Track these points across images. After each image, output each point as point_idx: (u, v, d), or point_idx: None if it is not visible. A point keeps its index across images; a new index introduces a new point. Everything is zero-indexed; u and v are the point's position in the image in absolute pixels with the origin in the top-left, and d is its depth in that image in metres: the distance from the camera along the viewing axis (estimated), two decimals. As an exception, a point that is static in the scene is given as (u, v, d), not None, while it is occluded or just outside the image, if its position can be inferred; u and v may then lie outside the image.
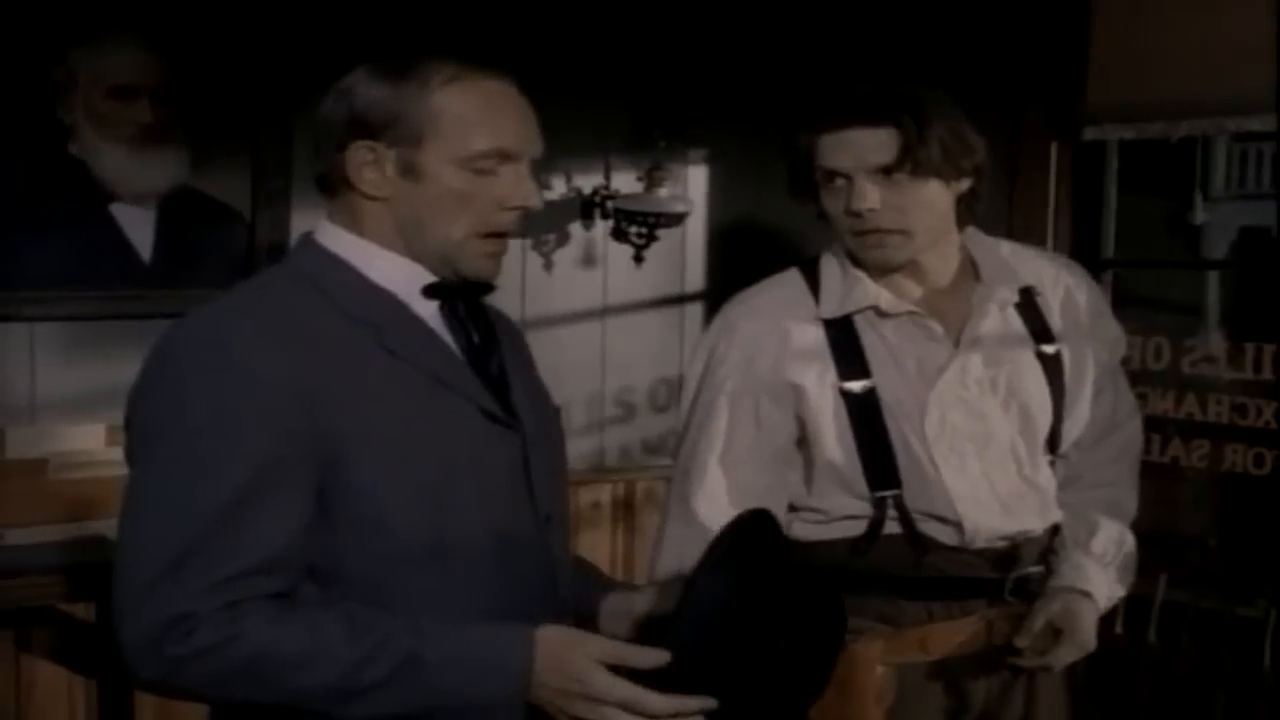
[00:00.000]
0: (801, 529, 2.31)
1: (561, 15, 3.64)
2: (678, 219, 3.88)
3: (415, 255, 1.78)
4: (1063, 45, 3.73)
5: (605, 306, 3.89)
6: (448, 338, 1.80)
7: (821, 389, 2.26)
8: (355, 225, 1.78)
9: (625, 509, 3.86)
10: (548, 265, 3.73)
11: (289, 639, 1.61)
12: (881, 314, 2.27)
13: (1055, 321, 2.36)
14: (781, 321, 2.30)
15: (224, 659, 1.60)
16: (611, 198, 3.81)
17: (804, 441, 2.29)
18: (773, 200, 3.99)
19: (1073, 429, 2.39)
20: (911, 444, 2.25)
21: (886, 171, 2.18)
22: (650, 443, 3.98)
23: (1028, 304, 2.34)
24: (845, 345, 2.27)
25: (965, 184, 2.26)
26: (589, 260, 3.86)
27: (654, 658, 1.64)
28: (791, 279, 2.36)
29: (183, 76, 3.32)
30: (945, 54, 3.92)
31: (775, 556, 1.78)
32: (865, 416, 2.25)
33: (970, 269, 2.33)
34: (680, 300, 4.02)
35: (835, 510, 2.29)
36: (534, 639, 1.66)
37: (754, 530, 1.78)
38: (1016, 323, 2.33)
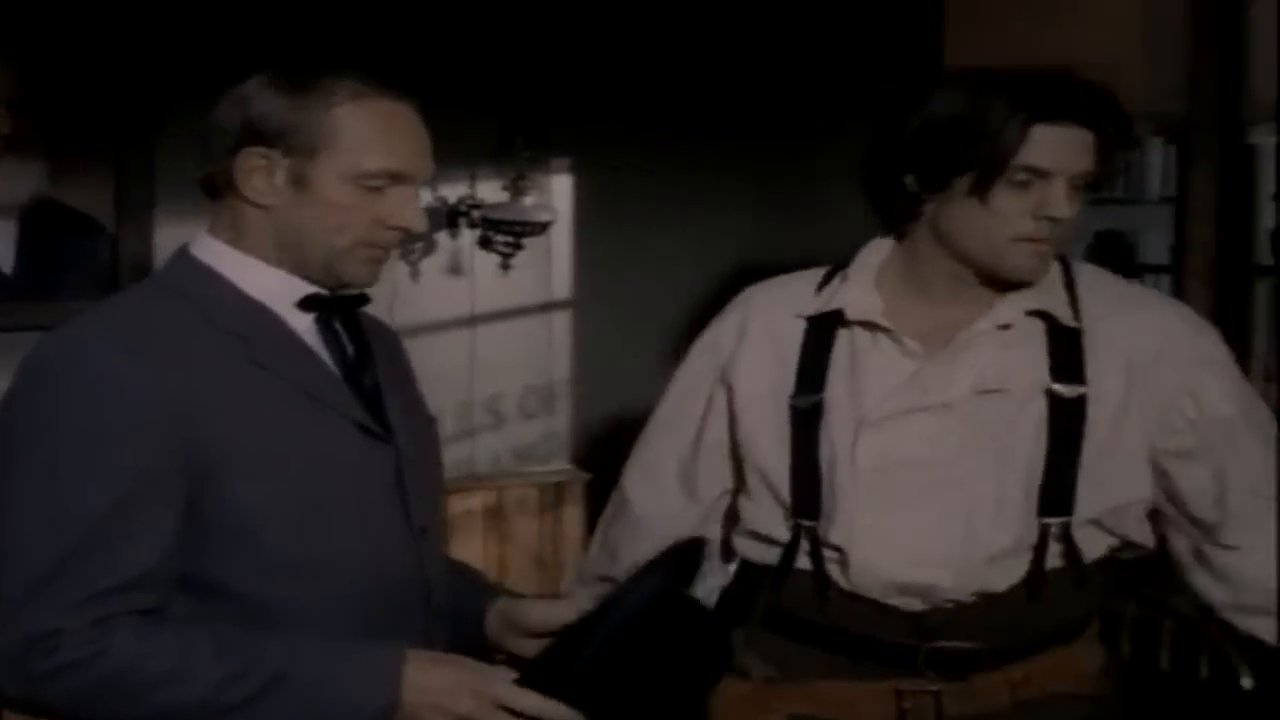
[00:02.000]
0: (739, 544, 2.13)
1: (425, 26, 3.66)
2: (543, 227, 3.91)
3: (294, 266, 1.78)
4: (920, 53, 3.81)
5: (473, 315, 3.92)
6: (322, 351, 1.80)
7: (777, 399, 2.06)
8: (234, 234, 1.78)
9: (496, 516, 3.87)
10: (415, 274, 3.75)
11: (157, 655, 1.61)
12: (850, 321, 2.05)
13: (1102, 366, 2.00)
14: (773, 316, 2.12)
15: (89, 675, 1.59)
16: (477, 207, 3.83)
17: (739, 445, 2.12)
18: (637, 207, 4.08)
19: (1103, 496, 2.00)
20: (838, 471, 2.00)
21: (1077, 180, 1.94)
22: (520, 450, 4.01)
23: (1061, 335, 2.01)
24: (814, 351, 2.07)
25: None
26: (456, 269, 3.88)
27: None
28: (815, 271, 2.16)
29: (40, 86, 3.28)
30: (807, 57, 4.02)
31: (688, 595, 1.75)
32: (805, 434, 2.04)
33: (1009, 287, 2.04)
34: (547, 308, 4.06)
35: (759, 527, 2.09)
36: (403, 657, 1.67)
37: (680, 561, 1.79)
38: (1030, 352, 2.01)
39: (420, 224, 1.81)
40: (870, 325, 2.04)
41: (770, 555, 2.07)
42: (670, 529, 2.11)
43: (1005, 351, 2.00)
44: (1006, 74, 1.97)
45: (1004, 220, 1.94)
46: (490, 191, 3.87)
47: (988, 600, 1.98)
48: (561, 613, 1.90)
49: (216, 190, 1.79)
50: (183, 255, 1.81)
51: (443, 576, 1.91)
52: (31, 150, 3.30)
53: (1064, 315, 2.01)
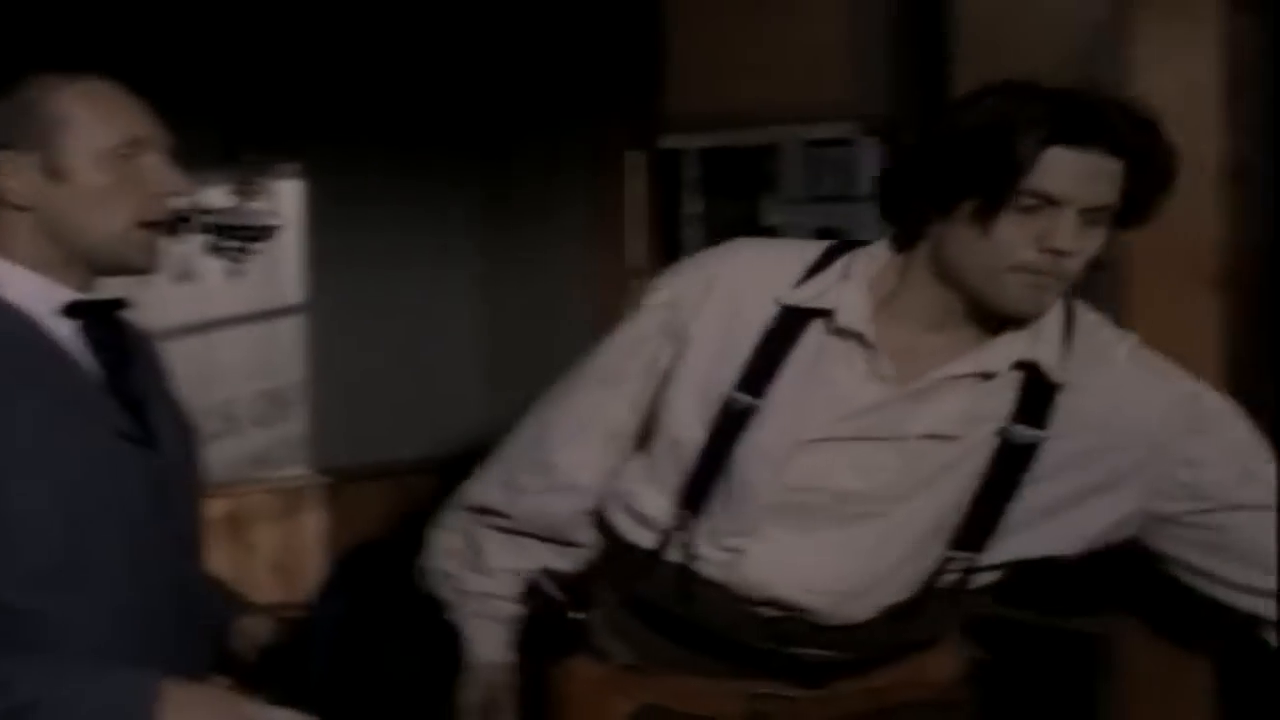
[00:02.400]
0: (616, 518, 2.01)
1: (148, 31, 3.61)
2: (271, 232, 3.91)
3: (67, 263, 1.77)
4: (638, 55, 3.86)
5: (204, 321, 3.88)
6: (84, 358, 1.79)
7: (715, 384, 1.90)
8: None
9: (235, 524, 3.83)
10: (143, 281, 3.68)
11: None
12: (834, 325, 1.88)
13: (1074, 423, 1.87)
14: (745, 288, 1.93)
15: None
16: (205, 212, 3.80)
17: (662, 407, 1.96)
18: (367, 211, 4.09)
19: (1024, 545, 1.91)
20: (759, 478, 1.87)
21: (1095, 212, 1.77)
22: (257, 455, 3.98)
23: (1039, 384, 1.87)
24: (773, 344, 1.89)
25: None
26: (185, 275, 3.83)
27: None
28: (802, 248, 1.99)
29: None
30: (525, 65, 4.08)
31: (390, 586, 1.86)
32: (728, 431, 1.89)
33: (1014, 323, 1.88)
34: (279, 313, 4.04)
35: (642, 506, 1.97)
36: (159, 685, 1.64)
37: (370, 558, 1.85)
38: (1000, 401, 1.87)
39: (183, 184, 1.81)
40: (851, 336, 1.88)
41: (646, 539, 1.97)
42: (579, 479, 2.02)
43: (971, 398, 1.87)
44: (1033, 89, 1.80)
45: (1006, 247, 1.77)
46: (217, 197, 3.83)
47: (860, 623, 1.91)
48: (268, 630, 1.93)
49: None
50: None
51: (204, 584, 1.92)
52: None
53: (1052, 368, 1.86)
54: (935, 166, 1.81)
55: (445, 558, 2.11)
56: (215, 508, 3.84)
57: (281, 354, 4.02)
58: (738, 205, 4.22)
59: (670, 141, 3.83)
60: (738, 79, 3.68)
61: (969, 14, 3.22)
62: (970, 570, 1.91)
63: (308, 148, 4.01)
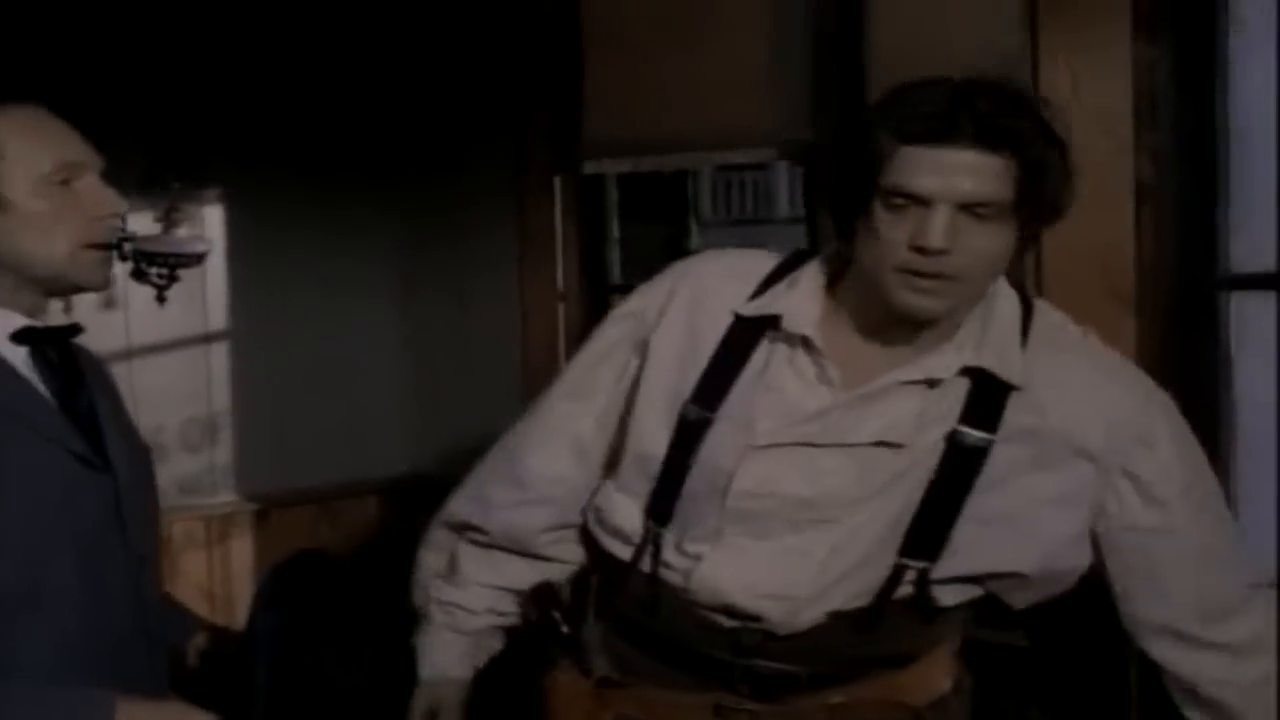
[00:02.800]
0: (598, 533, 2.04)
1: (70, 56, 3.59)
2: (197, 259, 3.89)
3: (15, 289, 1.78)
4: (559, 82, 3.91)
5: (129, 348, 3.86)
6: (38, 383, 1.80)
7: (675, 396, 1.93)
8: None
9: (164, 550, 3.76)
10: (67, 308, 3.63)
11: None
12: (780, 330, 1.90)
13: (1025, 427, 1.85)
14: (704, 299, 1.95)
15: None
16: (129, 239, 3.77)
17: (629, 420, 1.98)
18: (291, 236, 4.09)
19: (982, 558, 1.88)
20: (711, 485, 1.89)
21: (978, 209, 1.73)
22: (185, 482, 3.96)
23: (990, 386, 1.86)
24: (728, 355, 1.91)
25: (1036, 229, 1.83)
26: (109, 302, 3.81)
27: None
28: (768, 260, 1.98)
29: None
30: (446, 90, 4.10)
31: (323, 596, 1.87)
32: (685, 443, 1.90)
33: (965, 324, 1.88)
34: (205, 339, 4.03)
35: (615, 519, 2.00)
36: (113, 705, 1.65)
37: (300, 570, 1.87)
38: (946, 408, 1.86)
39: (121, 204, 1.84)
40: (799, 340, 1.89)
41: (621, 551, 2.00)
42: (550, 493, 2.06)
43: (919, 405, 1.85)
44: (899, 92, 1.80)
45: (886, 247, 1.77)
46: (142, 223, 3.82)
47: (815, 629, 1.90)
48: (209, 645, 1.97)
49: None
50: None
51: (161, 605, 1.94)
52: None
53: (1006, 371, 1.84)
54: (823, 174, 1.82)
55: (426, 573, 2.16)
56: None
57: (208, 380, 4.01)
58: (658, 229, 4.25)
59: (591, 167, 3.86)
60: (657, 104, 3.71)
61: (884, 42, 3.29)
62: (926, 581, 1.89)
63: (231, 173, 4.00)
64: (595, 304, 3.91)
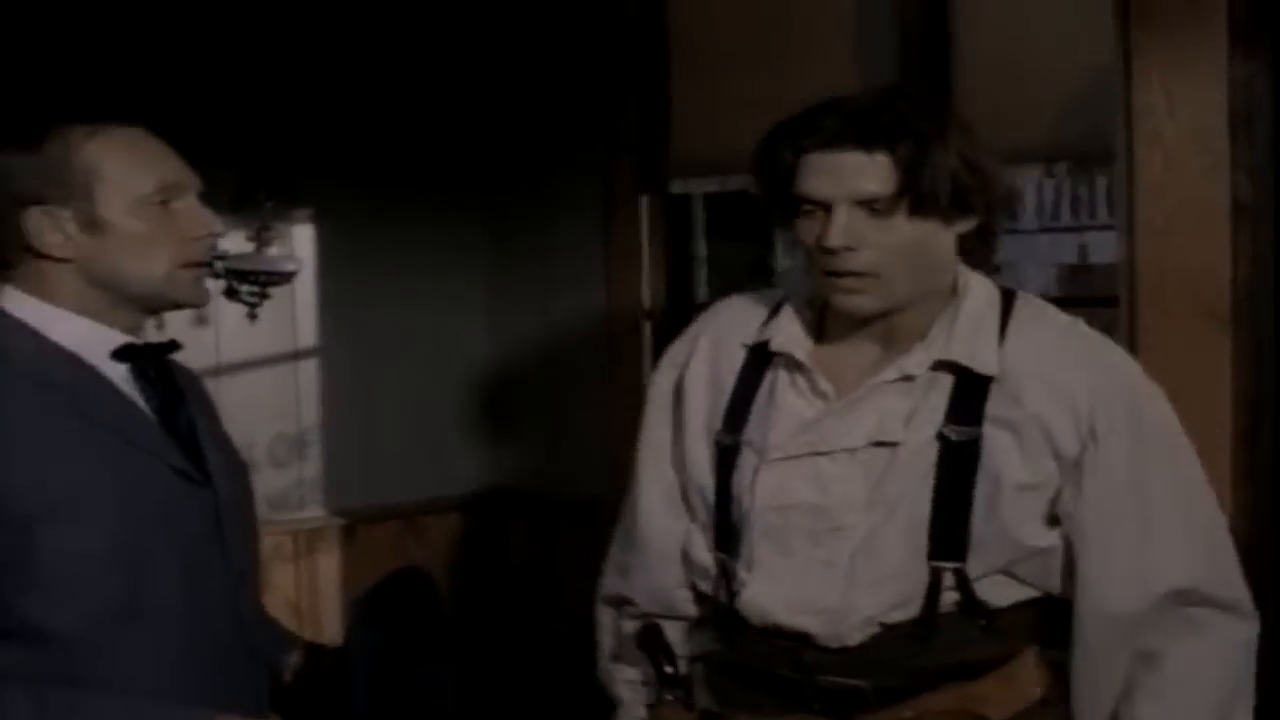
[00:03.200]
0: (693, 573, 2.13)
1: (165, 76, 3.64)
2: (288, 277, 3.93)
3: (108, 313, 1.80)
4: (646, 100, 3.92)
5: (220, 364, 3.90)
6: (138, 399, 1.82)
7: (709, 429, 2.06)
8: (43, 291, 1.79)
9: (254, 565, 3.85)
10: (160, 324, 3.68)
11: None
12: (780, 357, 2.02)
13: (1012, 413, 1.92)
14: (722, 338, 2.09)
15: None
16: (221, 258, 3.82)
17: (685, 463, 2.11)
18: (379, 254, 4.12)
19: (1006, 545, 1.93)
20: (741, 507, 1.99)
21: (873, 205, 1.85)
22: (272, 498, 3.99)
23: (969, 380, 1.93)
24: (749, 381, 2.04)
25: (971, 222, 1.93)
26: (201, 319, 3.85)
27: None
28: (779, 293, 2.11)
29: None
30: (535, 109, 4.11)
31: (418, 614, 1.87)
32: (725, 468, 2.02)
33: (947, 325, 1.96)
34: (295, 356, 4.06)
35: (695, 555, 2.10)
36: None
37: (396, 588, 1.88)
38: (932, 402, 1.94)
39: (218, 224, 1.86)
40: (789, 360, 2.00)
41: (706, 586, 2.09)
42: (666, 546, 2.14)
43: (905, 403, 1.93)
44: (802, 110, 1.94)
45: (810, 254, 1.91)
46: (234, 242, 3.85)
47: (870, 642, 1.94)
48: (303, 662, 1.97)
49: (9, 263, 1.80)
50: None
51: (261, 619, 1.95)
52: None
53: (976, 362, 1.93)
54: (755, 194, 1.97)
55: (603, 656, 2.24)
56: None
57: (297, 396, 4.04)
58: (744, 247, 4.23)
59: (678, 186, 3.89)
60: (744, 123, 3.68)
61: (971, 58, 3.27)
62: (966, 582, 1.93)
63: (321, 192, 4.04)
64: (681, 322, 3.87)
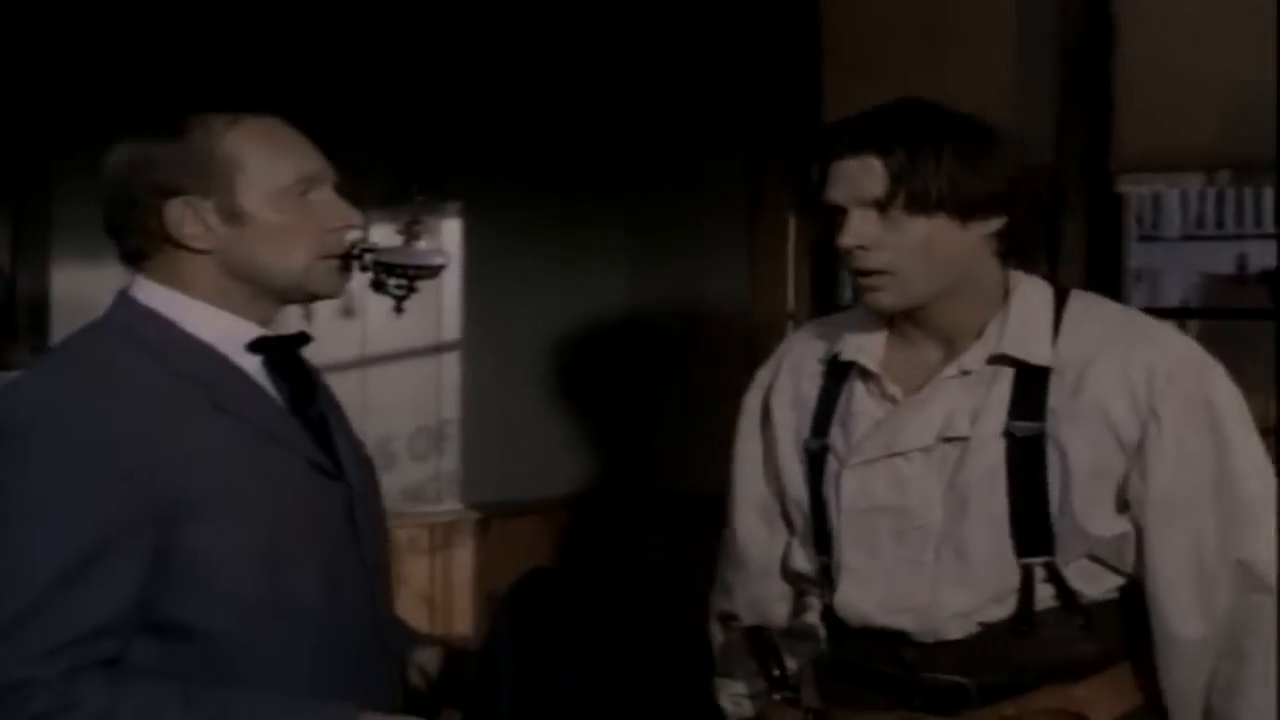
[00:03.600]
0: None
1: (317, 70, 3.69)
2: (436, 271, 3.95)
3: (252, 299, 1.80)
4: (796, 101, 3.88)
5: (364, 356, 3.94)
6: (272, 391, 1.81)
7: (798, 439, 2.13)
8: (179, 282, 1.78)
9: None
10: (307, 316, 3.71)
11: (125, 708, 1.60)
12: (852, 366, 2.10)
13: (1074, 403, 1.96)
14: (803, 355, 2.19)
15: None
16: (370, 250, 3.86)
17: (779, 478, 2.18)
18: (523, 250, 4.14)
19: (1088, 533, 1.96)
20: (829, 512, 2.07)
21: (880, 206, 1.94)
22: (411, 490, 4.03)
23: (1030, 376, 1.99)
24: (829, 393, 2.12)
25: (995, 222, 1.98)
26: (348, 311, 3.90)
27: None
28: (852, 313, 2.18)
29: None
30: (684, 103, 4.11)
31: (561, 613, 1.86)
32: (815, 474, 2.10)
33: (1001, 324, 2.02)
34: (438, 349, 4.09)
35: (795, 564, 2.17)
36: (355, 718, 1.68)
37: (538, 586, 1.87)
38: (996, 395, 2.00)
39: (356, 216, 1.84)
40: (862, 369, 2.07)
41: (811, 592, 2.17)
42: (763, 561, 2.22)
43: (967, 398, 2.00)
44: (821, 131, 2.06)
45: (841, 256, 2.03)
46: (383, 235, 3.90)
47: (971, 639, 1.98)
48: (433, 660, 1.95)
49: (151, 251, 1.79)
50: (128, 300, 1.80)
51: (394, 614, 1.93)
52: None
53: (1031, 355, 1.98)
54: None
55: (720, 676, 2.30)
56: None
57: (438, 390, 4.07)
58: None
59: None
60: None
61: (1135, 61, 3.19)
62: (1059, 575, 1.97)
63: (470, 187, 4.06)
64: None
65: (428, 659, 1.97)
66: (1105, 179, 3.43)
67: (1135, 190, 3.56)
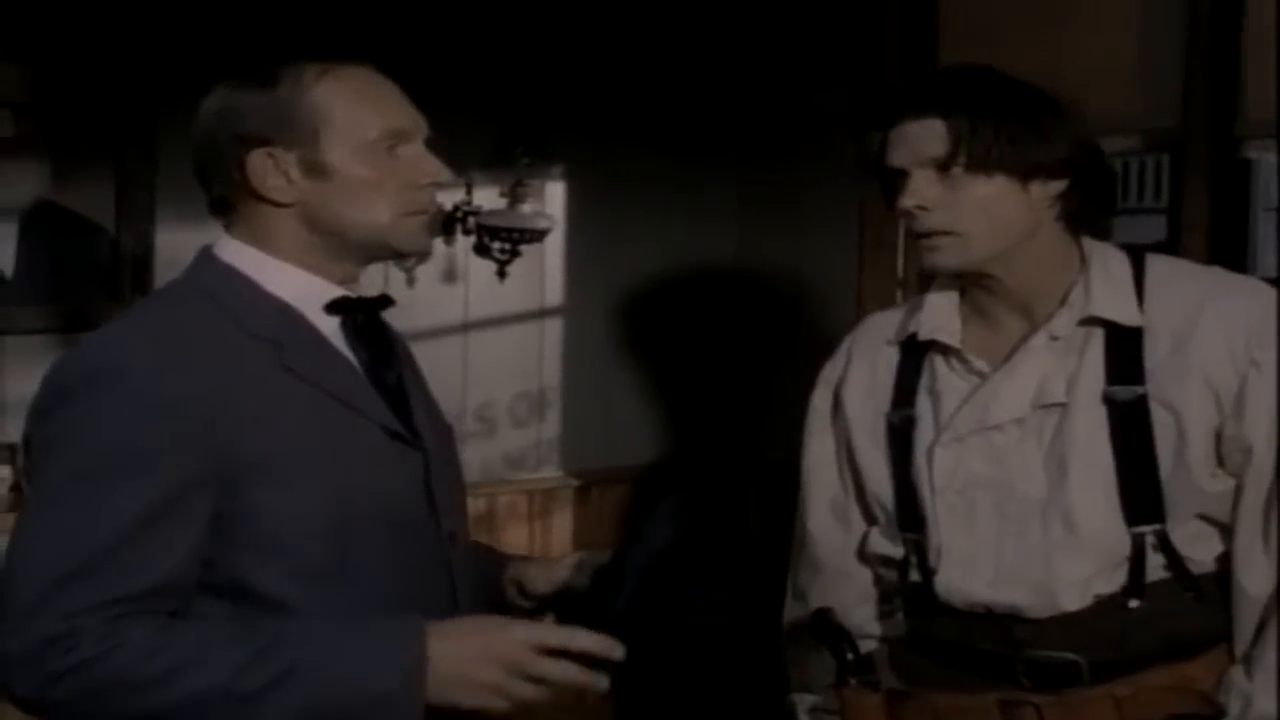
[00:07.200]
0: (877, 569, 2.18)
1: (422, 31, 3.67)
2: (540, 235, 3.92)
3: (334, 258, 1.77)
4: (914, 73, 3.82)
5: (467, 322, 3.93)
6: (349, 354, 1.79)
7: (876, 417, 2.11)
8: (261, 238, 1.76)
9: (487, 523, 3.87)
10: (410, 281, 3.72)
11: (174, 644, 1.60)
12: (926, 341, 2.09)
13: (1169, 362, 1.95)
14: (872, 341, 2.18)
15: (107, 668, 1.57)
16: (474, 213, 3.84)
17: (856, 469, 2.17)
18: (627, 215, 4.10)
19: (1199, 493, 1.95)
20: (923, 488, 2.04)
21: (942, 167, 1.95)
22: (511, 457, 4.02)
23: (1121, 340, 1.98)
24: (907, 370, 2.11)
25: (1056, 185, 1.98)
26: (451, 276, 3.88)
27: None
28: (913, 300, 2.20)
29: (44, 89, 3.28)
30: (795, 69, 4.04)
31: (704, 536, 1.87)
32: (900, 449, 2.08)
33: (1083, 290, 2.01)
34: (540, 315, 4.07)
35: (879, 548, 2.14)
36: (423, 630, 1.64)
37: (695, 507, 1.87)
38: (1089, 359, 1.98)
39: (447, 175, 1.80)
40: (941, 345, 2.07)
41: (892, 575, 2.13)
42: (840, 562, 2.19)
43: (1060, 363, 1.99)
44: (874, 97, 2.11)
45: (903, 221, 2.05)
46: (487, 198, 3.87)
47: (1081, 614, 1.96)
48: (559, 573, 1.96)
49: (235, 204, 1.77)
50: (209, 258, 1.79)
51: (471, 581, 1.90)
52: (33, 153, 3.30)
53: (1122, 316, 1.98)
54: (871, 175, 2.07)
55: (794, 689, 2.24)
56: (469, 507, 3.88)
57: (540, 356, 4.05)
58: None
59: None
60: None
61: (1261, 27, 3.09)
62: (1168, 543, 1.95)
63: (575, 150, 4.03)
64: (932, 290, 3.81)
65: (526, 570, 2.00)
66: (1232, 145, 3.32)
67: (1263, 157, 3.45)
